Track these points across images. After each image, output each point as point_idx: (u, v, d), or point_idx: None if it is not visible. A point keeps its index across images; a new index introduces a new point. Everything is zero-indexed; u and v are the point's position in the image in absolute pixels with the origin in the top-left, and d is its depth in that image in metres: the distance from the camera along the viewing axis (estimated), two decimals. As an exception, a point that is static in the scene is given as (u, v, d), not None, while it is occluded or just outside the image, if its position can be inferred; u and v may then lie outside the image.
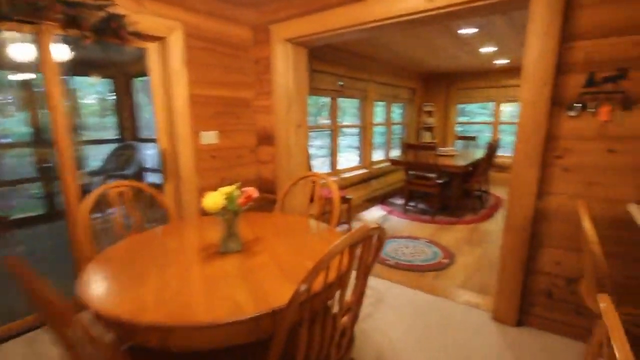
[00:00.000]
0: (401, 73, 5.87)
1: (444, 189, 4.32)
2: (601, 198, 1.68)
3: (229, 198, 1.41)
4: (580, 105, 1.66)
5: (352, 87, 4.68)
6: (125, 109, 4.56)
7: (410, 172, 4.30)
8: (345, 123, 5.44)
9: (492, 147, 4.24)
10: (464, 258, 3.01)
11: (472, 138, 5.64)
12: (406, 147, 4.17)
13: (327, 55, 4.11)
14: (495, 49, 4.27)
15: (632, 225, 1.61)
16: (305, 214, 2.09)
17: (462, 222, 4.01)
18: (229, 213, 1.41)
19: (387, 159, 5.88)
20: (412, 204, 4.77)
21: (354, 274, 1.14)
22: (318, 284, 1.02)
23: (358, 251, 1.06)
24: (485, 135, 6.63)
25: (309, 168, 3.56)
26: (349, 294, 1.17)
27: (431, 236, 3.55)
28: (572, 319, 1.87)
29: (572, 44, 1.64)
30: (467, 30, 3.36)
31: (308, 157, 3.50)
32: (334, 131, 4.57)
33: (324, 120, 4.91)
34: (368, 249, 1.11)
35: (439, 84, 6.74)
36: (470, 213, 4.34)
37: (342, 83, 4.40)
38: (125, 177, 4.19)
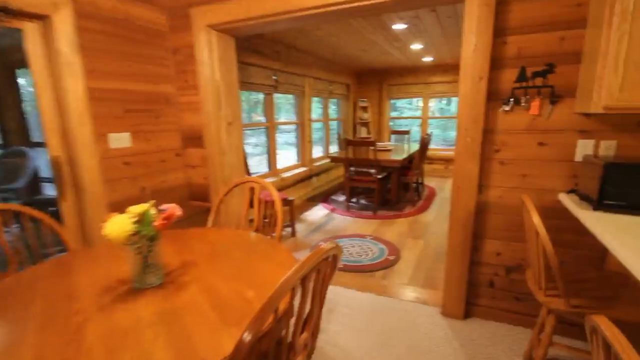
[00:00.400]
0: (336, 68, 5.82)
1: (384, 184, 4.38)
2: (535, 189, 1.74)
3: (142, 220, 1.11)
4: (513, 99, 1.70)
5: (288, 83, 4.47)
6: (9, 108, 3.70)
7: (351, 169, 4.26)
8: (282, 120, 5.21)
9: (425, 141, 4.42)
10: (409, 252, 3.04)
11: (406, 132, 5.86)
12: (346, 143, 4.11)
13: (261, 48, 3.83)
14: (422, 46, 4.43)
15: (563, 213, 1.70)
16: (244, 225, 1.84)
17: (402, 215, 4.11)
18: (143, 240, 1.11)
19: (327, 156, 5.81)
20: (353, 200, 4.76)
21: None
22: (267, 323, 0.81)
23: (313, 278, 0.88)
24: (414, 130, 6.98)
25: (246, 169, 3.27)
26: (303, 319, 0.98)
27: (375, 232, 3.54)
28: (512, 305, 1.95)
29: (504, 38, 1.66)
30: (399, 26, 3.39)
31: (244, 158, 3.21)
32: (271, 129, 4.31)
33: (259, 117, 4.61)
34: (324, 273, 0.92)
35: (372, 80, 6.89)
36: (409, 205, 4.48)
37: (276, 77, 4.15)
38: (13, 191, 3.39)
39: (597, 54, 1.33)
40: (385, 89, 6.80)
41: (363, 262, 2.82)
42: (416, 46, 4.43)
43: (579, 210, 1.42)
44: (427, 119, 6.73)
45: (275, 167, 4.43)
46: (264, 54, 3.88)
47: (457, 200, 1.90)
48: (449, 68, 6.18)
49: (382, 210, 4.30)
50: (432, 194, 5.10)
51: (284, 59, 4.27)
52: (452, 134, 12.46)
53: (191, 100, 2.67)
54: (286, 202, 3.36)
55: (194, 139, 2.75)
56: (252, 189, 1.84)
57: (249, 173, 3.23)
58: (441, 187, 5.63)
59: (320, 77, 5.25)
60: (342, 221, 3.96)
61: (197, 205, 2.90)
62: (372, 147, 3.93)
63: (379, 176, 4.08)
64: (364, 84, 6.99)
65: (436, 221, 3.89)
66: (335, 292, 2.38)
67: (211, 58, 2.44)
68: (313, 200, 4.91)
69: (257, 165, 4.73)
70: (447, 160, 6.64)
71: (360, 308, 2.19)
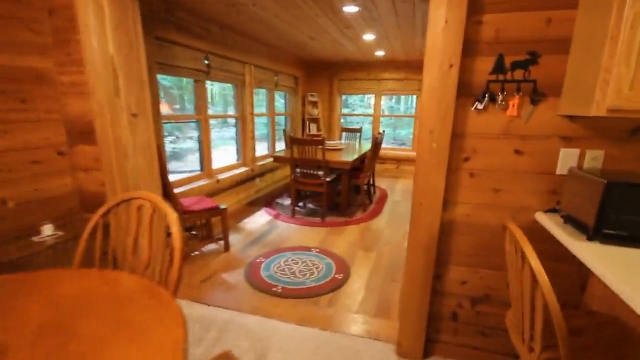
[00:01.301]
0: (283, 58, 5.29)
1: (333, 187, 4.00)
2: (509, 206, 1.44)
3: None
4: (488, 96, 1.36)
5: (224, 69, 3.85)
6: None
7: (297, 170, 3.80)
8: (229, 112, 4.57)
9: (378, 140, 4.12)
10: (359, 268, 2.67)
11: (358, 130, 5.56)
12: (291, 141, 3.64)
13: (187, 24, 3.17)
14: (375, 37, 4.11)
15: (540, 235, 1.42)
16: (130, 262, 1.29)
17: (353, 222, 3.75)
18: None
19: (271, 155, 5.29)
20: (300, 204, 4.32)
21: None
22: None
23: None
24: (365, 127, 6.74)
25: (162, 174, 2.63)
26: None
27: (323, 243, 3.13)
28: (478, 341, 1.65)
29: (479, 17, 1.31)
30: (350, 9, 2.99)
31: (161, 159, 2.58)
32: (203, 122, 3.67)
33: (211, 109, 3.93)
34: None
35: (323, 74, 6.48)
36: (360, 210, 4.15)
37: (208, 61, 3.52)
38: None
39: (601, 39, 1.01)
40: (336, 83, 6.44)
41: (307, 284, 2.38)
42: (369, 37, 4.09)
43: (568, 239, 1.11)
44: (378, 117, 6.51)
45: (209, 167, 3.80)
46: (191, 31, 3.23)
47: (418, 220, 1.53)
48: (401, 65, 6.00)
49: (331, 215, 3.92)
50: (383, 196, 4.85)
51: (218, 41, 3.65)
52: (403, 132, 12.57)
53: (77, 81, 1.99)
54: (217, 211, 2.79)
55: (84, 132, 2.07)
56: (138, 210, 1.28)
57: (166, 179, 2.61)
58: (392, 188, 5.43)
59: (264, 65, 4.68)
60: (286, 229, 3.49)
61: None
62: (320, 146, 3.50)
63: (328, 179, 3.68)
64: (313, 77, 6.55)
65: (389, 227, 3.60)
66: (268, 329, 1.91)
67: (101, 24, 1.80)
68: (255, 205, 4.37)
69: (197, 163, 4.06)
70: (399, 160, 6.49)
71: (301, 349, 1.75)
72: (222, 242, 3.00)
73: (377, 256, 2.91)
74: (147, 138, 2.18)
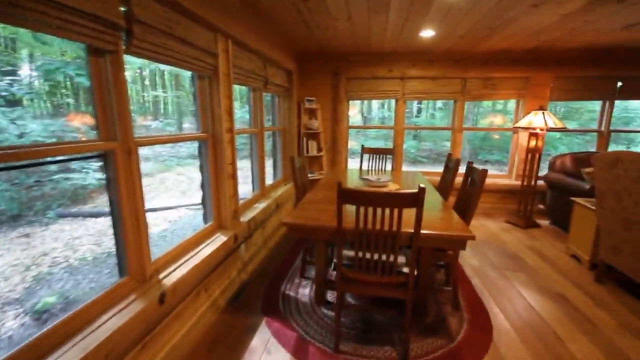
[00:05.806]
0: (272, 36, 3.26)
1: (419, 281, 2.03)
2: None
3: None
4: None
5: (177, 35, 1.74)
6: None
7: (347, 254, 1.78)
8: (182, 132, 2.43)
9: (482, 176, 2.22)
10: None
11: (389, 151, 3.67)
12: (342, 195, 1.61)
13: None
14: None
15: None
16: None
17: None
18: None
19: (285, 222, 3.21)
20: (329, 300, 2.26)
21: None
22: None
23: None
24: (370, 143, 4.88)
25: None
26: None
27: None
28: None
29: None
30: None
31: None
32: (117, 157, 1.51)
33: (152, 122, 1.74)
34: None
35: (323, 69, 4.53)
36: (453, 318, 2.21)
37: (126, 8, 1.40)
38: None
39: None
40: (343, 84, 4.52)
41: None
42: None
43: None
44: (402, 130, 4.67)
45: (142, 264, 1.62)
46: None
47: None
48: (439, 57, 4.25)
49: (419, 340, 1.93)
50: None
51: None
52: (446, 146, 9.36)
53: None
54: None
55: None
56: None
57: None
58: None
59: (250, 44, 2.61)
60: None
61: None
62: (400, 204, 1.53)
63: (414, 271, 1.71)
64: (310, 75, 4.58)
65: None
66: None
67: None
68: (244, 308, 2.23)
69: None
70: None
71: None
72: None
73: None
74: None
